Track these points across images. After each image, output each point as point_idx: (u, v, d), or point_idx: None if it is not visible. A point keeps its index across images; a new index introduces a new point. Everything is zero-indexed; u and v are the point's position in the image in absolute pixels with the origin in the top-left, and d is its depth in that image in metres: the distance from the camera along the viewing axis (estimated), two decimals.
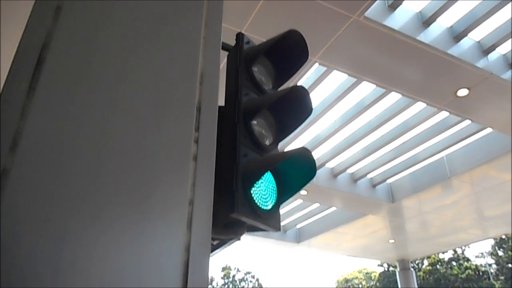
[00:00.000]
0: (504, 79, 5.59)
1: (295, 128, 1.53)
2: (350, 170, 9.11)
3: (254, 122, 1.46)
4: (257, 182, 1.34)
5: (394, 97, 6.66)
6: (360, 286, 42.45)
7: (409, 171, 9.02)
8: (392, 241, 12.72)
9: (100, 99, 1.01)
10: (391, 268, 35.14)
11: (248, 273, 42.77)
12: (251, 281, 42.26)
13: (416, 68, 5.34)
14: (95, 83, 1.02)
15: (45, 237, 0.82)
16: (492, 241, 34.60)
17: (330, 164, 8.84)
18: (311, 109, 1.47)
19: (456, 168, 8.12)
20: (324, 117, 7.09)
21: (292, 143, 7.87)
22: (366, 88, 6.56)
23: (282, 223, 12.25)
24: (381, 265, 38.50)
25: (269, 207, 1.40)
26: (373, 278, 41.37)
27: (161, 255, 1.05)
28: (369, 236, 12.13)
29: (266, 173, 1.40)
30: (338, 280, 44.80)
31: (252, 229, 1.51)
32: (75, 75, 1.00)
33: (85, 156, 0.94)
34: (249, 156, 1.37)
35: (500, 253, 33.27)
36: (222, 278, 41.98)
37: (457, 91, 5.66)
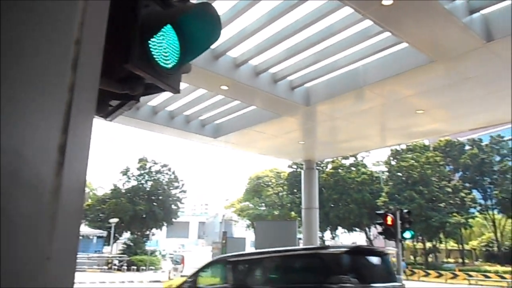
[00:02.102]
0: None
1: None
2: (272, 70, 9.18)
3: None
4: (157, 36, 1.27)
5: None
6: (270, 183, 45.95)
7: (327, 77, 9.35)
8: (302, 142, 13.61)
9: None
10: (299, 170, 38.11)
11: (165, 166, 43.59)
12: (167, 173, 43.33)
13: None
14: None
15: None
16: (389, 152, 38.73)
17: (254, 62, 8.81)
18: None
19: (370, 78, 8.58)
20: (251, 10, 6.85)
21: None
22: None
23: (201, 117, 12.34)
24: (291, 167, 41.56)
25: (170, 65, 1.35)
26: (282, 177, 44.82)
27: (42, 95, 0.99)
28: (282, 136, 12.80)
29: (168, 29, 1.32)
30: (251, 176, 47.83)
31: (150, 89, 1.47)
32: None
33: None
34: (151, 8, 1.27)
35: (393, 162, 37.55)
36: (138, 169, 42.39)
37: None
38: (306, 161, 15.98)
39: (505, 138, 38.57)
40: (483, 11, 6.58)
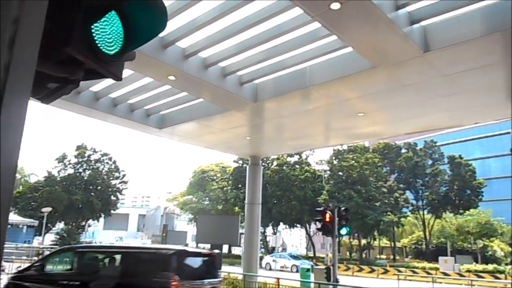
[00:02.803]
0: (374, 4, 5.98)
1: None
2: (222, 64, 9.17)
3: None
4: (100, 22, 1.25)
5: None
6: (215, 177, 45.82)
7: (276, 75, 9.50)
8: (248, 138, 13.73)
9: None
10: (244, 165, 38.34)
11: (105, 155, 42.03)
12: (107, 163, 41.80)
13: None
14: None
15: None
16: (331, 151, 40.08)
17: (203, 54, 8.74)
18: None
19: (315, 79, 8.83)
20: (203, 1, 6.79)
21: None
22: None
23: (146, 107, 12.04)
24: (237, 162, 41.71)
25: (113, 52, 1.33)
26: (227, 171, 44.86)
27: None
28: (229, 131, 12.83)
29: (112, 15, 1.31)
30: (195, 170, 47.43)
31: (91, 75, 1.44)
32: None
33: None
34: None
35: (335, 162, 38.91)
36: (75, 157, 40.49)
37: (331, 3, 5.89)
38: (252, 156, 16.12)
39: (437, 144, 41.35)
40: (422, 23, 7.01)
